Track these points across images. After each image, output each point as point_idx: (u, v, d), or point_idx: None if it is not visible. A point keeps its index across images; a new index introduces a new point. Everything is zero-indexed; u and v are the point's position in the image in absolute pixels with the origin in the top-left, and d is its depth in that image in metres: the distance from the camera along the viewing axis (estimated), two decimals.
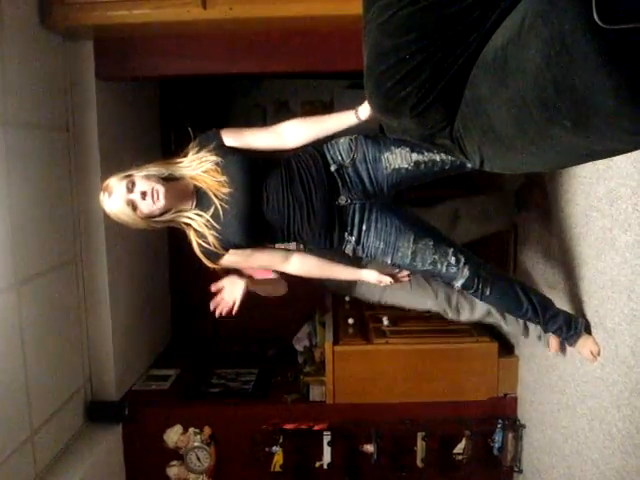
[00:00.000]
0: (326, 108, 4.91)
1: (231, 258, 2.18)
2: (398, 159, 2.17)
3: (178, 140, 4.60)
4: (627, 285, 2.17)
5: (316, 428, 3.48)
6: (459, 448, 3.43)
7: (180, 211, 2.13)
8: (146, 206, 2.06)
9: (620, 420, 2.26)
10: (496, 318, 2.96)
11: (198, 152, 2.16)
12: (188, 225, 2.15)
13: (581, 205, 2.55)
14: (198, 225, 2.11)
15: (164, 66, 3.30)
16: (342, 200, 2.19)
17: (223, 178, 2.09)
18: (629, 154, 2.03)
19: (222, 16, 2.88)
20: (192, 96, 4.73)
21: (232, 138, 2.20)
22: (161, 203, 2.05)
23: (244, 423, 3.58)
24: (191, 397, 3.77)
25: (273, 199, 2.14)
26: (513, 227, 3.49)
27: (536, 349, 3.13)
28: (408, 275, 2.36)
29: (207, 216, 2.10)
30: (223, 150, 2.16)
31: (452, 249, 2.25)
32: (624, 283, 2.20)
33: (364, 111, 2.10)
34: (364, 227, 2.21)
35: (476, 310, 2.93)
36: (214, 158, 2.11)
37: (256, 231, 2.16)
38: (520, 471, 3.43)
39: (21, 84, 2.83)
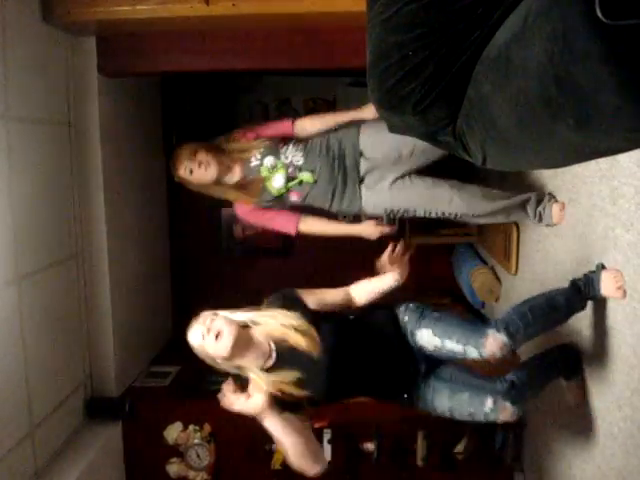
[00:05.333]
0: (329, 106, 4.90)
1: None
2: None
3: (180, 137, 4.60)
4: (629, 284, 2.17)
5: (316, 426, 3.47)
6: (460, 447, 3.42)
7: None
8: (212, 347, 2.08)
9: (621, 420, 2.26)
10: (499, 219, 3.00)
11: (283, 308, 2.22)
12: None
13: (584, 204, 2.55)
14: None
15: (166, 62, 3.30)
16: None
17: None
18: (632, 153, 2.02)
19: (225, 12, 2.87)
20: (194, 92, 4.73)
21: (310, 301, 2.31)
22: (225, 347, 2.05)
23: (244, 420, 3.58)
24: (191, 394, 3.77)
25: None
26: (515, 226, 3.49)
27: (538, 348, 3.12)
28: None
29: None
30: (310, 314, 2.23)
31: (489, 396, 2.26)
32: (626, 282, 2.19)
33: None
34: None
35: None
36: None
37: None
38: (521, 470, 3.43)
39: (23, 79, 2.82)
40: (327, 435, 3.46)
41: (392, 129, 1.75)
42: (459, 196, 2.85)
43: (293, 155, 2.83)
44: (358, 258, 5.08)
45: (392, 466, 3.51)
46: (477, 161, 1.53)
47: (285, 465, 3.47)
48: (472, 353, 2.23)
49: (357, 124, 2.88)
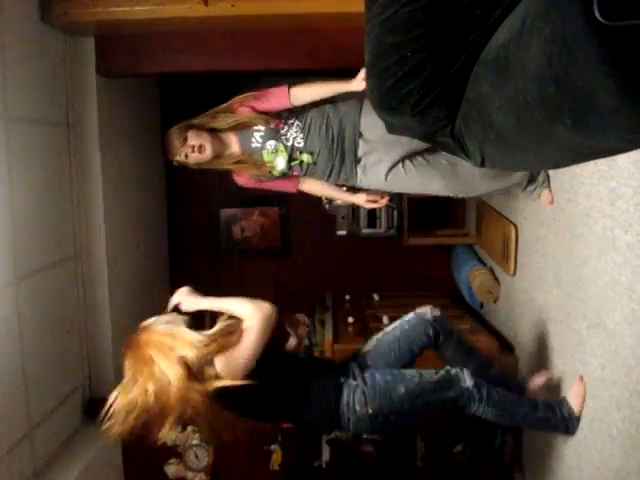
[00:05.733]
0: None
1: None
2: None
3: None
4: (628, 285, 2.17)
5: None
6: (459, 447, 3.42)
7: None
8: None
9: (620, 421, 2.25)
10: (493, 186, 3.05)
11: None
12: None
13: (582, 205, 2.55)
14: None
15: (165, 63, 3.30)
16: None
17: None
18: (631, 153, 2.02)
19: (224, 13, 2.88)
20: (192, 93, 4.72)
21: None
22: None
23: (243, 422, 3.58)
24: None
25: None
26: (514, 227, 3.48)
27: (536, 348, 3.12)
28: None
29: None
30: None
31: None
32: (624, 283, 2.19)
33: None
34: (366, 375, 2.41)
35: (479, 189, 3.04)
36: None
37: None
38: (520, 471, 3.42)
39: (22, 80, 2.82)
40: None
41: (391, 129, 1.74)
42: (453, 182, 2.94)
43: (294, 137, 2.87)
44: (357, 259, 5.06)
45: (391, 467, 3.50)
46: (476, 162, 1.53)
47: (283, 466, 3.47)
48: (408, 315, 2.59)
49: (359, 104, 2.89)
